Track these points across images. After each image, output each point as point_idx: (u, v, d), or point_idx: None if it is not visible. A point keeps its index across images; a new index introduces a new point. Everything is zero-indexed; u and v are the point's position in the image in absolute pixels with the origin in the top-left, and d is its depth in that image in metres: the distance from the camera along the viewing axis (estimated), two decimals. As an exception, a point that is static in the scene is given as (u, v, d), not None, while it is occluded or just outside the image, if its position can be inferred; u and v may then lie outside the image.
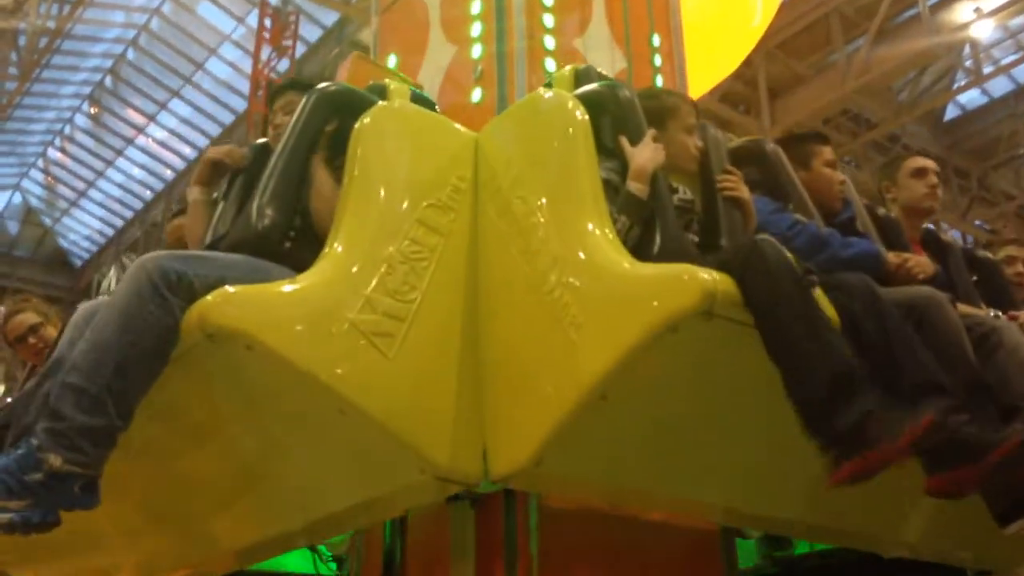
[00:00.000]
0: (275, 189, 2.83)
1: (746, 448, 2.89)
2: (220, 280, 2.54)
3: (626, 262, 2.54)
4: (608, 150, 2.98)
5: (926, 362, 2.52)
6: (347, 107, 3.07)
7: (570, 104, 2.90)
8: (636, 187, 2.77)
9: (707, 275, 2.38)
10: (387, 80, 3.36)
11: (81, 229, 27.59)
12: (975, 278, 3.83)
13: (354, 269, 2.69)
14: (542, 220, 2.78)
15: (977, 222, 18.76)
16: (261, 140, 3.26)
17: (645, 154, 2.82)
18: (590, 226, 2.67)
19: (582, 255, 2.64)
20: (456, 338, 2.82)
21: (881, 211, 3.66)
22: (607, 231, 2.67)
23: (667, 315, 2.39)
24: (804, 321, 2.35)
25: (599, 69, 3.33)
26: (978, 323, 2.97)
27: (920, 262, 3.05)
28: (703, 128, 3.13)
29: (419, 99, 3.36)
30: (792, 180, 3.26)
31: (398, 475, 2.78)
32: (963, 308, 3.36)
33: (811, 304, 2.38)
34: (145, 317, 2.44)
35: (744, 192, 3.00)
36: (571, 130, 2.85)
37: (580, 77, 3.23)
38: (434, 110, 3.42)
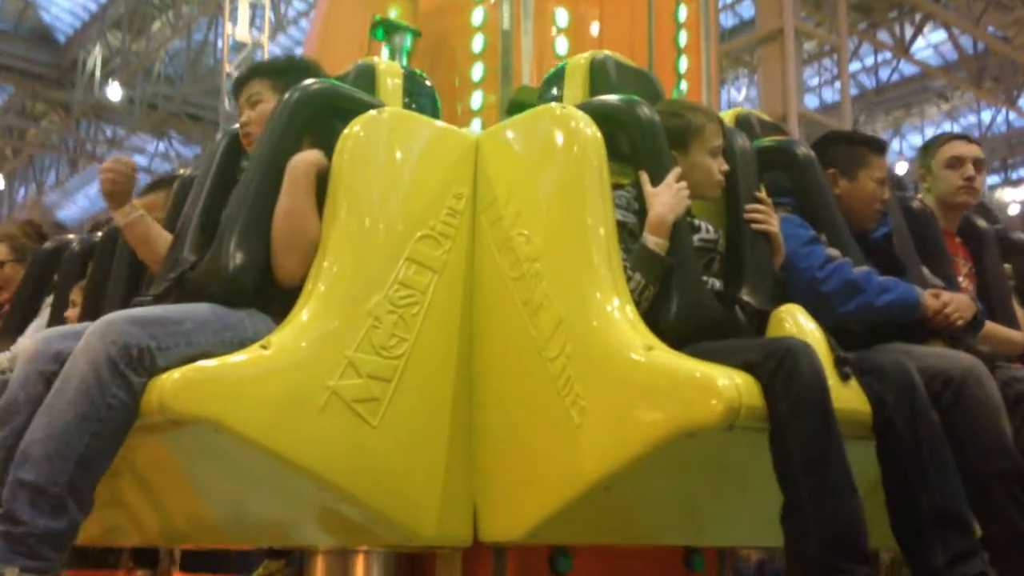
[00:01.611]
0: (247, 222, 2.48)
1: (740, 503, 2.71)
2: (187, 347, 2.29)
3: (640, 348, 2.26)
4: (622, 166, 2.65)
5: (953, 489, 2.32)
6: (332, 111, 2.69)
7: (584, 130, 2.53)
8: (654, 242, 2.45)
9: (732, 386, 2.11)
10: (375, 60, 2.94)
11: (64, 3, 26.52)
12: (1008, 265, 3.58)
13: (335, 326, 2.41)
14: (546, 271, 2.48)
15: (990, 28, 18.05)
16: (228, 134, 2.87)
17: (666, 201, 2.48)
18: (599, 293, 2.37)
19: (590, 327, 2.35)
20: (448, 394, 2.57)
21: (915, 204, 3.34)
22: (620, 296, 2.37)
23: (685, 426, 2.15)
24: (819, 467, 2.12)
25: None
26: (1016, 379, 2.74)
27: (959, 306, 2.76)
28: (731, 138, 2.78)
29: (412, 78, 2.97)
30: (825, 195, 2.91)
31: (379, 536, 2.58)
32: (997, 331, 3.13)
33: (834, 445, 2.14)
34: (108, 402, 2.18)
35: (774, 225, 2.68)
36: (582, 163, 2.50)
37: (595, 69, 2.85)
38: (427, 86, 3.03)
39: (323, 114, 2.69)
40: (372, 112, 2.62)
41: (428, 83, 3.05)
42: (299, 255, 2.47)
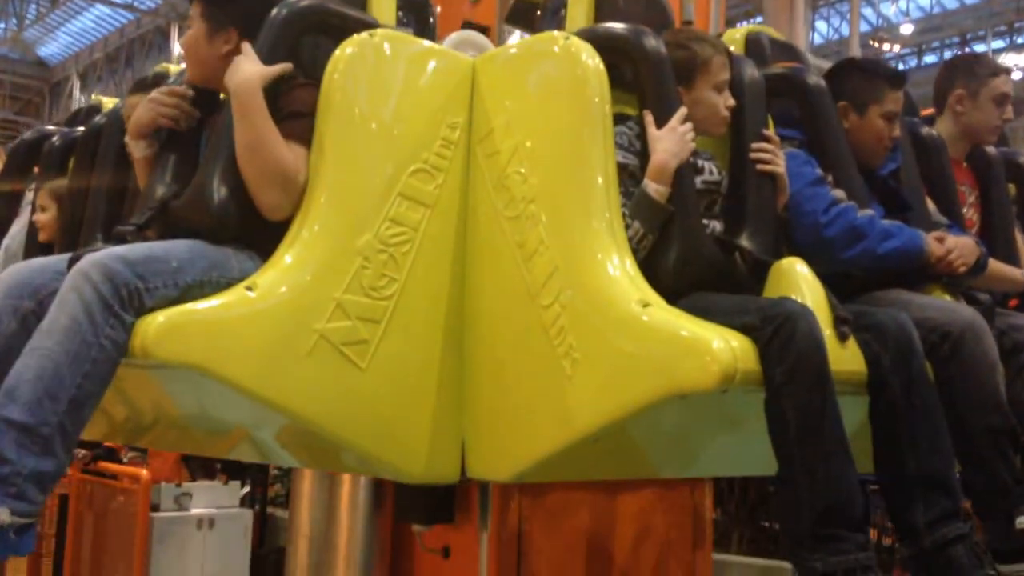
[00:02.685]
0: (230, 155, 2.37)
1: (733, 443, 2.71)
2: (173, 287, 2.23)
3: (636, 303, 2.20)
4: (627, 94, 2.55)
5: (942, 453, 2.33)
6: (321, 29, 2.56)
7: (588, 62, 2.41)
8: (655, 189, 2.37)
9: (727, 349, 2.07)
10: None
11: None
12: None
13: (323, 267, 2.34)
14: (542, 214, 2.39)
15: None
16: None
17: (669, 147, 2.38)
18: (596, 243, 2.29)
19: (586, 279, 2.29)
20: (438, 334, 2.52)
21: (924, 130, 3.22)
22: (618, 247, 2.30)
23: (678, 389, 2.11)
24: (815, 435, 2.10)
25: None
26: (1013, 327, 2.70)
27: (963, 251, 2.70)
28: (739, 68, 2.65)
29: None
30: (834, 128, 2.80)
31: (366, 469, 2.58)
32: (998, 268, 3.08)
33: (829, 413, 2.10)
34: (101, 342, 2.12)
35: (780, 165, 2.58)
36: (584, 102, 2.39)
37: (602, -5, 2.70)
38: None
39: (312, 33, 2.56)
40: (364, 34, 2.49)
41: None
42: (276, 188, 2.36)
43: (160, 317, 2.15)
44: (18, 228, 3.59)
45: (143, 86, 3.32)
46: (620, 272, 2.26)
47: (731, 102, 2.57)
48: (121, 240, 2.41)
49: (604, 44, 2.49)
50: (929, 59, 26.55)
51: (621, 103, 2.56)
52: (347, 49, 2.46)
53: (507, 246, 2.46)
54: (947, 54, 26.14)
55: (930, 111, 3.67)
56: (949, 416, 2.40)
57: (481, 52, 3.47)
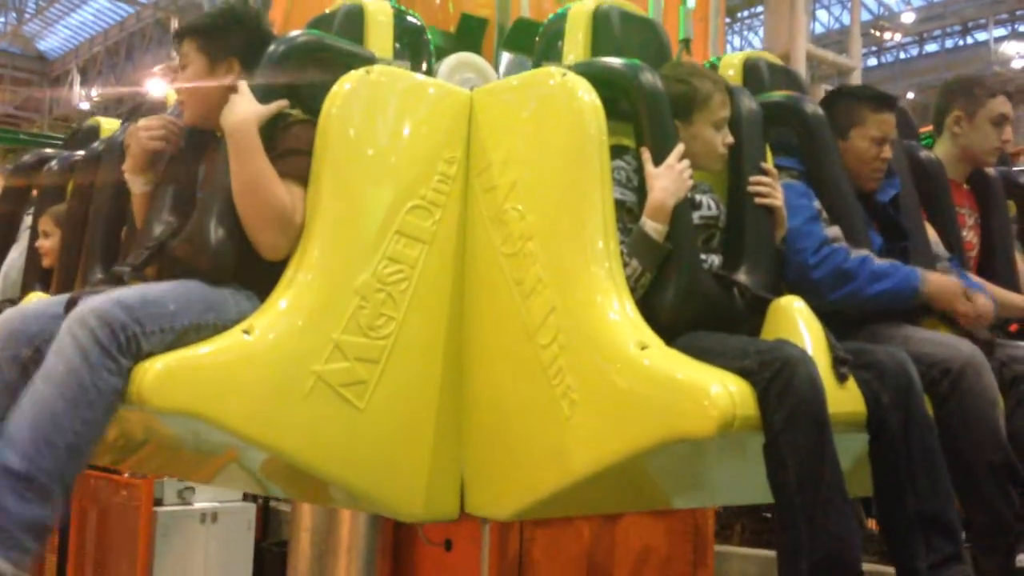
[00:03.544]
0: (228, 195, 2.37)
1: (732, 475, 2.71)
2: (171, 332, 2.22)
3: (634, 346, 2.19)
4: (624, 125, 2.54)
5: (942, 494, 2.31)
6: (318, 64, 2.55)
7: (585, 98, 2.40)
8: (652, 227, 2.36)
9: (725, 394, 2.06)
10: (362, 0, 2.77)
11: None
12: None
13: (321, 308, 2.34)
14: (540, 253, 2.39)
15: None
16: None
17: (667, 185, 2.37)
18: (594, 283, 2.29)
19: (584, 320, 2.28)
20: (436, 372, 2.52)
21: (923, 154, 3.21)
22: (616, 287, 2.29)
23: (677, 434, 2.11)
24: (813, 483, 2.09)
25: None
26: (1014, 359, 2.69)
27: (987, 310, 2.68)
28: (737, 99, 2.64)
29: (402, 17, 2.80)
30: (832, 157, 2.78)
31: (362, 507, 2.58)
32: (998, 294, 3.07)
33: (828, 460, 2.10)
34: (98, 387, 2.11)
35: (778, 199, 2.58)
36: (581, 140, 2.38)
37: (599, 20, 2.70)
38: (418, 26, 2.86)
39: (309, 68, 2.56)
40: (361, 71, 2.48)
41: (419, 22, 2.88)
42: (273, 228, 2.36)
43: (157, 364, 2.14)
44: (16, 254, 3.59)
45: (138, 114, 3.32)
46: (618, 314, 2.25)
47: (729, 139, 2.56)
48: (119, 281, 2.41)
49: (601, 79, 2.48)
50: (930, 47, 26.52)
51: (619, 134, 2.55)
52: (343, 86, 2.45)
53: (505, 283, 2.46)
54: (948, 43, 26.13)
55: (929, 128, 3.67)
56: (949, 452, 2.39)
57: (479, 73, 3.48)
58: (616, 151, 2.50)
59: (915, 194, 2.99)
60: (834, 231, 2.67)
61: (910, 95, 28.40)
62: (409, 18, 2.82)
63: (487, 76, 3.50)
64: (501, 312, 2.46)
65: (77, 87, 27.92)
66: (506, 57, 3.43)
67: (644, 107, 2.47)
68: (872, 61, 26.95)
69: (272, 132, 2.44)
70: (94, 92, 27.47)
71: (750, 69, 3.02)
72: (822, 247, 2.62)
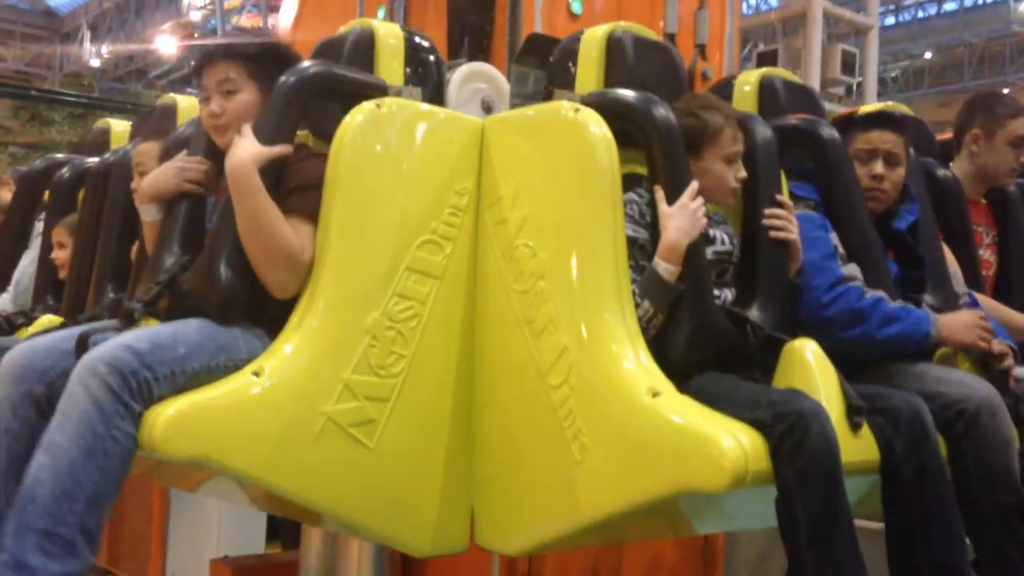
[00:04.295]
0: (236, 236, 2.34)
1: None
2: (181, 375, 2.21)
3: (646, 393, 2.18)
4: (635, 153, 2.51)
5: (955, 542, 2.29)
6: (330, 95, 2.53)
7: (598, 133, 2.37)
8: (665, 268, 2.33)
9: (738, 448, 2.04)
10: (373, 24, 2.72)
11: None
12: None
13: (331, 349, 2.33)
14: (551, 292, 2.37)
15: None
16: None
17: (680, 225, 2.35)
18: (606, 327, 2.27)
19: (595, 363, 2.27)
20: (447, 409, 2.51)
21: (940, 172, 3.17)
22: (628, 331, 2.28)
23: (688, 485, 2.10)
24: (825, 540, 2.08)
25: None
26: (1030, 392, 2.67)
27: (1009, 352, 2.67)
28: (751, 126, 2.61)
29: (413, 42, 2.76)
30: (848, 182, 2.75)
31: (371, 539, 2.58)
32: (1015, 318, 3.05)
33: (841, 518, 2.09)
34: (112, 435, 2.10)
35: (793, 232, 2.55)
36: (594, 179, 2.36)
37: (612, 47, 2.65)
38: (429, 49, 2.82)
39: (321, 99, 2.54)
40: (371, 104, 2.45)
41: (429, 45, 2.83)
42: (280, 268, 2.34)
43: (169, 410, 2.13)
44: (27, 262, 3.59)
45: (150, 124, 3.30)
46: (630, 359, 2.24)
47: (742, 174, 2.53)
48: (129, 317, 2.40)
49: (613, 111, 2.46)
50: (949, 6, 26.18)
51: (632, 162, 2.53)
52: (354, 120, 2.42)
53: (516, 321, 2.44)
54: (967, 2, 25.77)
55: (947, 135, 3.62)
56: (961, 493, 2.38)
57: (490, 83, 3.43)
58: (629, 180, 2.48)
59: (933, 219, 2.96)
60: (850, 269, 2.64)
61: (928, 55, 28.13)
62: (419, 40, 2.78)
63: (499, 86, 3.46)
64: (512, 349, 2.45)
65: (87, 43, 27.80)
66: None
67: (657, 142, 2.44)
68: (890, 20, 26.64)
69: (283, 166, 2.42)
70: (104, 49, 27.34)
71: (765, 87, 2.97)
72: (836, 285, 2.59)
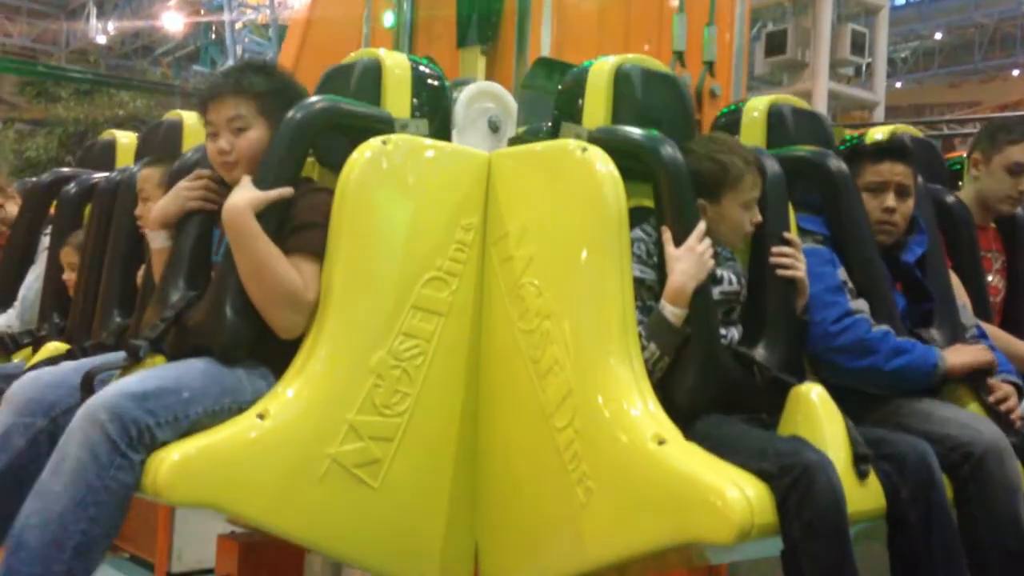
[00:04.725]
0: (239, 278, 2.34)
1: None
2: (184, 419, 2.21)
3: (651, 440, 2.17)
4: (643, 186, 2.50)
5: None
6: (337, 130, 2.52)
7: (604, 176, 2.36)
8: (671, 311, 2.32)
9: (743, 501, 2.04)
10: (380, 53, 2.70)
11: None
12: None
13: (336, 389, 2.33)
14: (557, 334, 2.36)
15: None
16: None
17: (687, 268, 2.33)
18: (612, 372, 2.26)
19: (600, 408, 2.26)
20: (452, 446, 2.51)
21: (949, 199, 3.15)
22: (635, 374, 2.27)
23: (692, 537, 2.10)
24: None
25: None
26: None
27: (1012, 396, 2.66)
28: (760, 161, 2.59)
29: (419, 71, 2.74)
30: (856, 215, 2.73)
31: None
32: (1019, 347, 3.04)
33: (848, 572, 2.08)
34: (106, 484, 2.10)
35: (801, 270, 2.54)
36: (601, 220, 2.34)
37: (620, 80, 2.63)
38: (436, 76, 2.80)
39: (328, 134, 2.53)
40: (377, 141, 2.44)
41: (436, 73, 2.81)
42: (284, 309, 2.33)
43: (172, 455, 2.13)
44: (33, 277, 3.58)
45: (156, 142, 3.28)
46: (636, 405, 2.23)
47: (758, 219, 2.51)
48: (135, 354, 2.39)
49: (621, 149, 2.45)
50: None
51: (640, 195, 2.52)
52: (360, 158, 2.41)
53: (521, 360, 2.43)
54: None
55: (958, 154, 3.61)
56: (966, 537, 2.38)
57: (498, 102, 3.41)
58: (637, 214, 2.47)
59: (941, 249, 2.94)
60: (859, 304, 2.63)
61: (938, 35, 27.95)
62: (425, 69, 2.75)
63: (507, 105, 3.44)
64: (518, 388, 2.44)
65: (93, 20, 27.70)
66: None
67: (664, 182, 2.42)
68: (900, 0, 26.48)
69: (288, 202, 2.41)
70: (110, 25, 27.25)
71: (774, 115, 2.95)
72: (844, 317, 2.58)
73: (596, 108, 2.63)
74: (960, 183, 3.57)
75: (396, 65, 2.69)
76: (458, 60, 4.32)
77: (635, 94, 2.62)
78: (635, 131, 2.48)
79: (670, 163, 2.41)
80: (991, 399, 2.66)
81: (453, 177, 2.56)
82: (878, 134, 3.28)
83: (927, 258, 2.84)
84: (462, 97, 3.35)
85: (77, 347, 2.96)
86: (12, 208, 4.10)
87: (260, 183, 2.40)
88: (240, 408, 2.28)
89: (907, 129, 3.31)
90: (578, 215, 2.38)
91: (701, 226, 2.39)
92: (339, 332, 2.34)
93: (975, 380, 2.67)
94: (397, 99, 2.65)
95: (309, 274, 2.36)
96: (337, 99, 2.54)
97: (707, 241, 2.39)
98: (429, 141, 2.56)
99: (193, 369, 2.31)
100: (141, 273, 2.91)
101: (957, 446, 2.43)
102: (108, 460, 2.10)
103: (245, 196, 2.35)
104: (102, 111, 19.14)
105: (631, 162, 2.45)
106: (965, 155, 3.39)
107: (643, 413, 2.22)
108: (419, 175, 2.50)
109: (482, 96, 3.42)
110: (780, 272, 2.52)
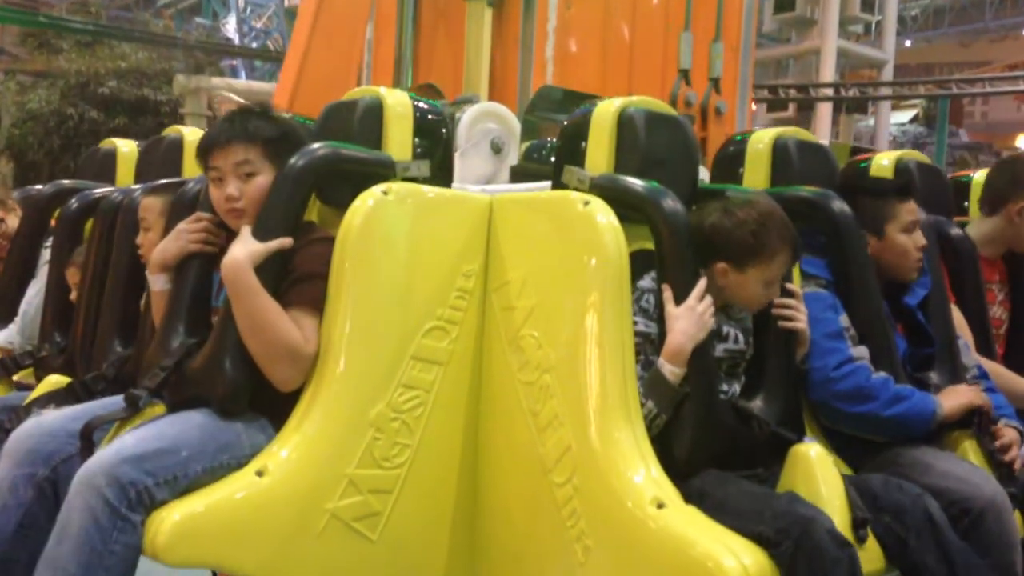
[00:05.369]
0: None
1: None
2: (184, 478, 2.22)
3: (650, 504, 2.17)
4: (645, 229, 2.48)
5: None
6: (338, 176, 2.50)
7: (607, 231, 2.34)
8: (670, 370, 2.32)
9: (741, 571, 2.04)
10: (382, 93, 2.68)
11: None
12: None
13: (335, 444, 2.33)
14: (557, 388, 2.36)
15: None
16: None
17: (687, 328, 2.32)
18: (611, 432, 2.26)
19: (600, 469, 2.26)
20: (451, 495, 2.52)
21: (954, 232, 3.13)
22: (635, 434, 2.27)
23: (688, 604, 2.11)
24: None
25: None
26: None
27: (1016, 443, 2.67)
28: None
29: (422, 110, 2.71)
30: (860, 258, 2.72)
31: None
32: (1021, 386, 3.04)
33: None
34: (111, 548, 2.11)
35: (802, 322, 2.53)
36: (602, 276, 2.33)
37: (623, 124, 2.60)
38: (438, 111, 2.78)
39: (329, 181, 2.51)
40: (379, 191, 2.42)
41: (439, 108, 2.78)
42: (283, 364, 2.33)
43: (172, 515, 2.14)
44: (34, 292, 3.57)
45: (156, 159, 3.27)
46: (636, 467, 2.22)
47: (776, 295, 2.49)
48: (134, 404, 2.40)
49: (622, 201, 2.44)
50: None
51: (642, 238, 2.50)
52: (362, 206, 2.40)
53: (521, 412, 2.43)
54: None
55: (965, 172, 3.58)
56: None
57: (501, 123, 3.39)
58: (640, 258, 2.45)
59: (945, 293, 2.93)
60: (859, 351, 2.63)
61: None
62: (424, 106, 2.73)
63: (510, 126, 3.42)
64: (517, 440, 2.44)
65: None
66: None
67: (666, 236, 2.40)
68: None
69: (288, 252, 2.40)
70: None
71: (779, 149, 2.93)
72: (844, 364, 2.58)
73: (599, 152, 2.61)
74: (965, 203, 3.55)
75: (397, 104, 2.66)
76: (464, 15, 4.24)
77: (639, 138, 2.59)
78: (637, 183, 2.46)
79: (672, 217, 2.40)
80: (997, 444, 2.66)
81: (454, 223, 2.54)
82: (884, 160, 3.25)
83: (930, 300, 2.84)
84: (464, 119, 3.34)
85: (78, 374, 2.97)
86: (13, 222, 4.08)
87: (261, 233, 2.39)
88: (239, 464, 2.29)
89: (913, 155, 3.28)
90: (579, 269, 2.36)
91: (701, 284, 2.38)
92: (338, 386, 2.34)
93: (977, 426, 2.67)
94: (399, 139, 2.63)
95: (309, 328, 2.36)
96: (338, 145, 2.51)
97: (708, 300, 2.37)
98: (429, 188, 2.54)
99: (191, 425, 2.31)
100: (143, 303, 2.91)
101: (956, 501, 2.44)
102: (110, 524, 2.12)
103: (245, 250, 2.34)
104: (104, 63, 18.96)
105: (631, 213, 2.44)
106: (988, 191, 3.35)
107: (643, 477, 2.22)
108: (420, 223, 2.48)
109: (485, 117, 3.40)
110: (781, 324, 2.51)
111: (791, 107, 26.96)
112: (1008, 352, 3.23)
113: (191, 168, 3.30)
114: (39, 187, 3.80)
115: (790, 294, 2.54)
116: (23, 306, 3.56)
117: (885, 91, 23.91)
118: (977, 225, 3.28)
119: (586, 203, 2.39)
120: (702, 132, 3.68)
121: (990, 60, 27.71)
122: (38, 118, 18.32)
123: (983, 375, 2.88)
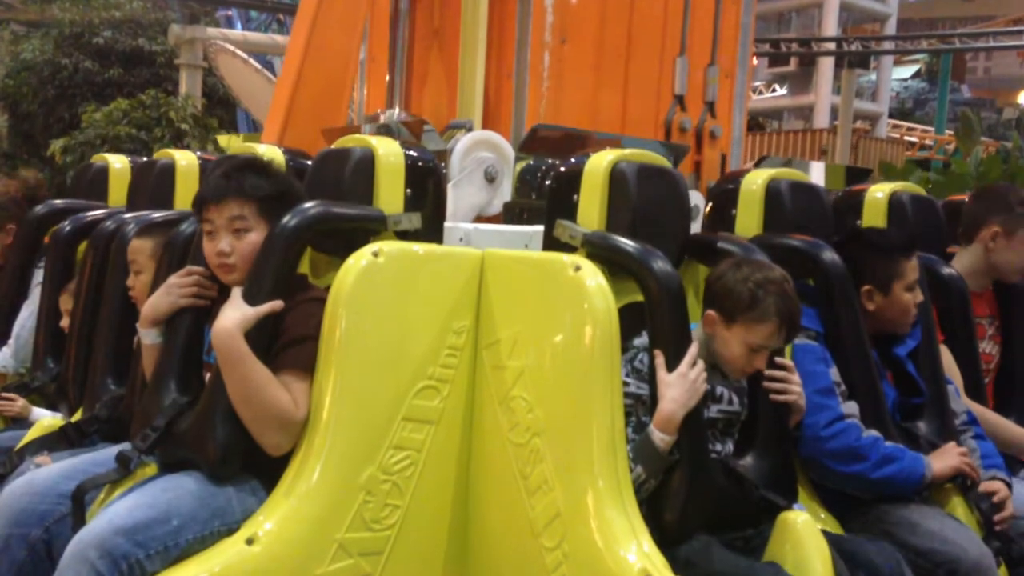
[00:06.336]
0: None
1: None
2: (175, 548, 2.23)
3: (638, 572, 2.18)
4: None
5: None
6: (330, 234, 2.51)
7: (598, 300, 2.33)
8: (660, 437, 2.32)
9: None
10: (374, 144, 2.66)
11: None
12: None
13: (325, 509, 2.34)
14: (547, 453, 2.37)
15: None
16: None
17: (678, 396, 2.32)
18: (601, 500, 2.26)
19: (589, 538, 2.26)
20: (440, 554, 2.53)
21: (945, 271, 3.11)
22: (625, 501, 2.26)
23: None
24: None
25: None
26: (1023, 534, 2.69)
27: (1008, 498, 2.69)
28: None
29: (412, 159, 2.69)
30: (850, 306, 2.71)
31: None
32: (1014, 433, 3.06)
33: None
34: None
35: (794, 393, 2.53)
36: (593, 343, 2.32)
37: (615, 178, 2.59)
38: (429, 161, 2.75)
39: (322, 239, 2.51)
40: (369, 252, 2.41)
41: (429, 157, 2.75)
42: (274, 430, 2.34)
43: (159, 596, 2.17)
44: (27, 314, 3.57)
45: (148, 183, 3.25)
46: (626, 540, 2.23)
47: (761, 365, 2.48)
48: (126, 465, 2.41)
49: (612, 260, 2.44)
50: None
51: (634, 292, 2.50)
52: (353, 268, 2.39)
53: (511, 473, 2.44)
54: None
55: (962, 197, 3.56)
56: None
57: (495, 151, 3.37)
58: (633, 312, 2.45)
59: (935, 342, 2.92)
60: (850, 407, 2.64)
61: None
62: (415, 154, 2.70)
63: (504, 154, 3.40)
64: (507, 502, 2.45)
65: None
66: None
67: (656, 298, 2.39)
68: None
69: (279, 313, 2.40)
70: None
71: (771, 191, 2.92)
72: (836, 422, 2.59)
73: (591, 207, 2.61)
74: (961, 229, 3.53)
75: (389, 154, 2.64)
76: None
77: (630, 195, 2.58)
78: (628, 244, 2.45)
79: (663, 279, 2.39)
80: (995, 500, 2.68)
81: (445, 280, 2.53)
82: (878, 193, 3.24)
83: (919, 350, 2.84)
84: (458, 148, 3.32)
85: (70, 402, 2.98)
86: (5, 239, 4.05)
87: (251, 293, 2.39)
88: (229, 530, 2.31)
89: (907, 188, 3.27)
90: (569, 333, 2.35)
91: (693, 350, 2.38)
92: (328, 451, 2.34)
93: (963, 488, 2.69)
94: (390, 192, 2.62)
95: (299, 392, 2.36)
96: (329, 204, 2.50)
97: (700, 365, 2.37)
98: (419, 247, 2.53)
99: (182, 491, 2.32)
100: (136, 341, 2.91)
101: (942, 563, 2.47)
102: None
103: (235, 317, 2.33)
104: (98, 12, 18.72)
105: (624, 270, 2.44)
106: (964, 222, 3.34)
107: (635, 552, 2.22)
108: (410, 282, 2.47)
109: (478, 146, 3.38)
110: (773, 397, 2.51)
111: (792, 61, 26.77)
112: (997, 388, 3.24)
113: (183, 195, 3.29)
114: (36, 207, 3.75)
115: (782, 368, 2.53)
116: (16, 328, 3.57)
117: (888, 45, 23.74)
118: (959, 258, 3.28)
119: (577, 268, 2.37)
120: (696, 156, 3.65)
121: (994, 15, 27.45)
122: (32, 68, 18.12)
123: (972, 420, 2.89)
